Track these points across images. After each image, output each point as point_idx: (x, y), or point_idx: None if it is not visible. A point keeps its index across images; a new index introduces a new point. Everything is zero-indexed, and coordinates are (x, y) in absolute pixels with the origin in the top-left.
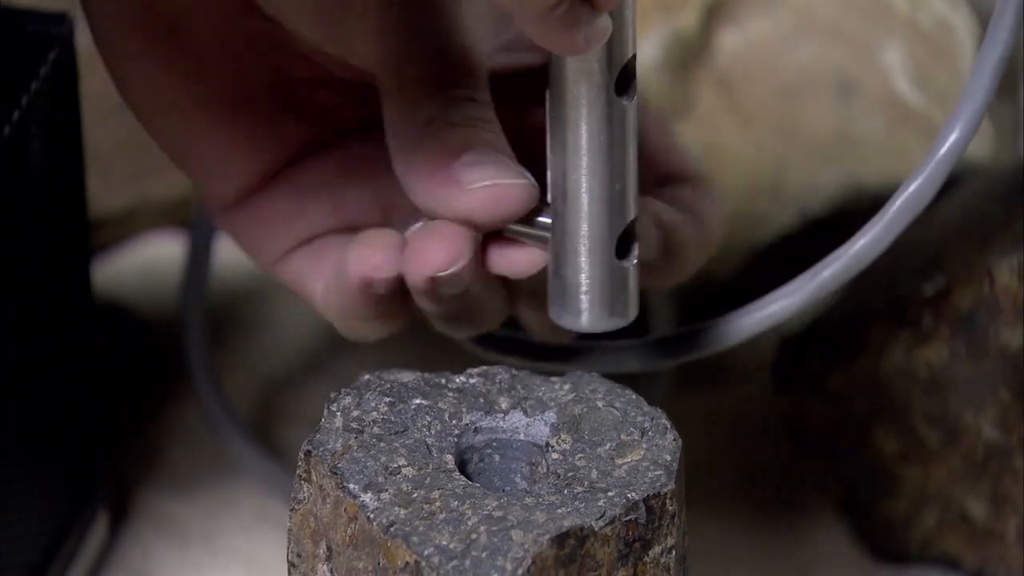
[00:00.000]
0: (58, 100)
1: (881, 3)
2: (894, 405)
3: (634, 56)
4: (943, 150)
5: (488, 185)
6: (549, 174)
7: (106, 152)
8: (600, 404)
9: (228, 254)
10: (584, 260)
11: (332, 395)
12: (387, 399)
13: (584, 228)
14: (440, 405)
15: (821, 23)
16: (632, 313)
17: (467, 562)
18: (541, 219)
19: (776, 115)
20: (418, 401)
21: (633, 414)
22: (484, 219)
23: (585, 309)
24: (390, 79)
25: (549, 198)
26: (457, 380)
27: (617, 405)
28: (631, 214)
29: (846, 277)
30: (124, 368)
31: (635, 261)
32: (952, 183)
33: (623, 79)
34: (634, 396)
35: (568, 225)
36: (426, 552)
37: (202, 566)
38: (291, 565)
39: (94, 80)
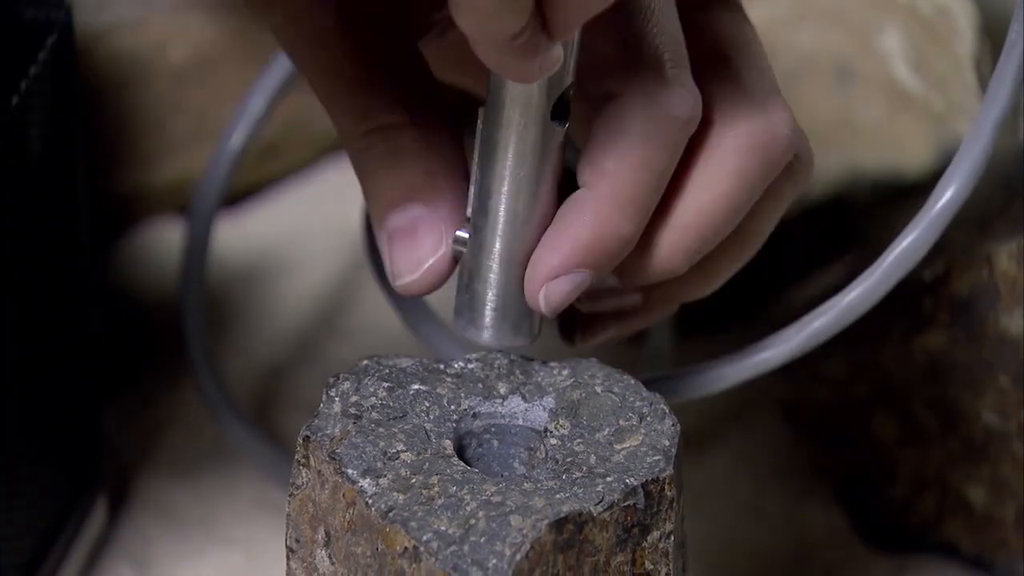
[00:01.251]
0: (57, 85)
1: None
2: (893, 391)
3: (573, 84)
4: (938, 206)
5: (422, 273)
6: (472, 188)
7: (105, 138)
8: (599, 389)
9: (227, 240)
10: (495, 277)
11: (331, 380)
12: (386, 384)
13: (498, 246)
14: (439, 390)
15: (820, 8)
16: (535, 333)
17: (465, 547)
18: (459, 233)
19: None
20: (416, 386)
21: (632, 399)
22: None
23: (490, 325)
24: (322, 88)
25: (469, 211)
26: (456, 365)
27: (616, 390)
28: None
29: (838, 328)
30: (123, 354)
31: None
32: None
33: (560, 106)
34: (633, 381)
35: (485, 241)
36: (424, 537)
37: (201, 552)
38: (289, 550)
39: (94, 65)
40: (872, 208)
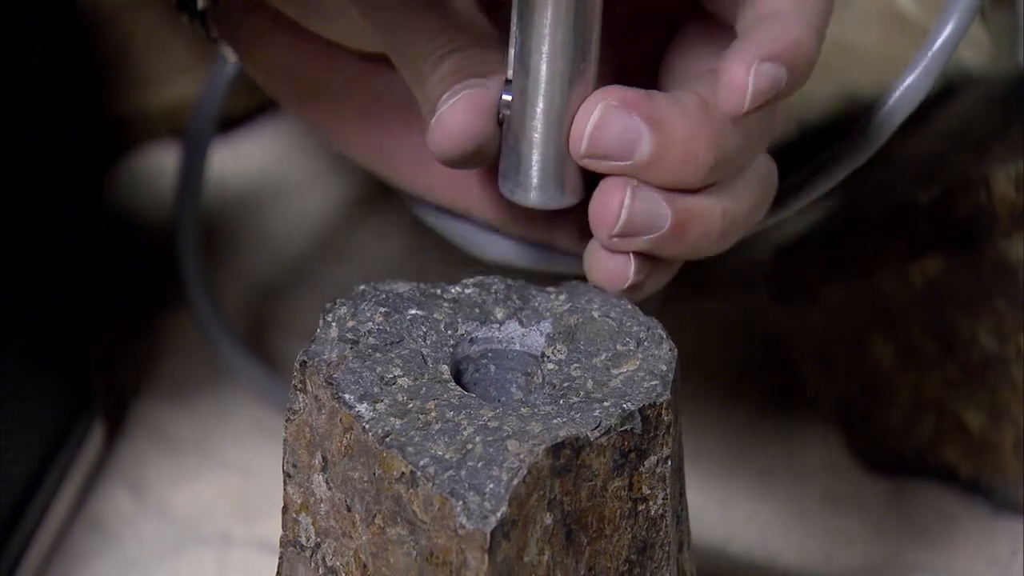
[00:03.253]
0: (54, 12)
1: None
2: (890, 315)
3: None
4: (939, 42)
5: (460, 97)
6: (512, 50)
7: (102, 61)
8: (596, 314)
9: (222, 165)
10: (540, 136)
11: (327, 305)
12: (382, 309)
13: (542, 105)
14: (435, 315)
15: None
16: (581, 193)
17: (463, 472)
18: (504, 96)
19: None
20: (414, 311)
21: (629, 324)
22: (458, 130)
23: (537, 185)
24: (378, 42)
25: (510, 74)
26: (453, 290)
27: (613, 315)
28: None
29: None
30: (119, 278)
31: None
32: (949, 91)
33: None
34: (630, 306)
35: (528, 101)
36: (421, 462)
37: (198, 475)
38: (286, 475)
39: None
40: None
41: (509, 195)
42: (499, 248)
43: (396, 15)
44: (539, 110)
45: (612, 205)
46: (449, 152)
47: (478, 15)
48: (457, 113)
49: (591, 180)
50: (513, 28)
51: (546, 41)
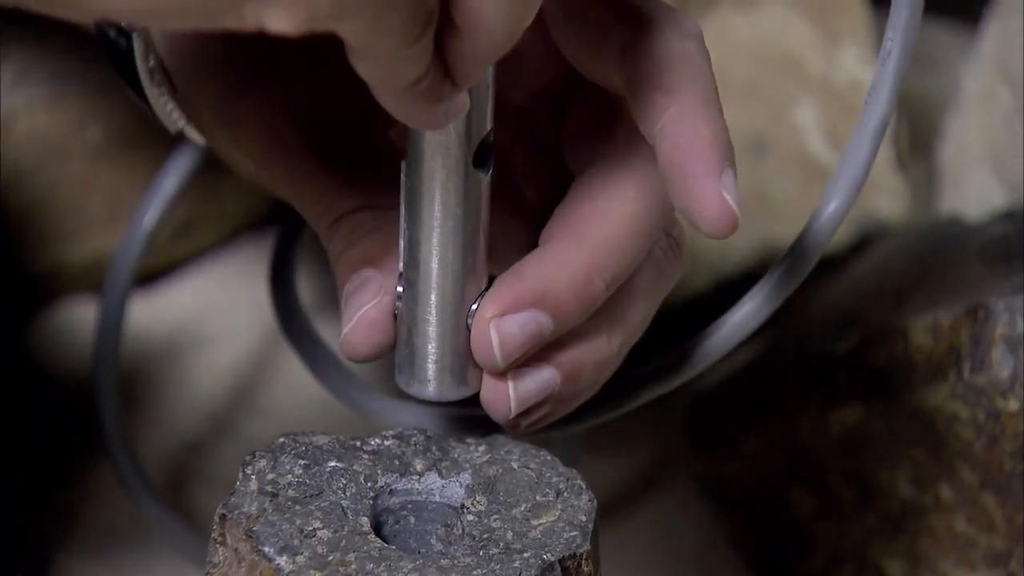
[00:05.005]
0: None
1: (794, 63)
2: (809, 464)
3: (491, 131)
4: (818, 223)
5: (357, 320)
6: (401, 243)
7: (21, 216)
8: (515, 465)
9: (141, 318)
10: (434, 329)
11: (247, 458)
12: (302, 462)
13: (434, 298)
14: (355, 467)
15: (734, 83)
16: (479, 384)
17: None
18: (398, 288)
19: None
20: (333, 463)
21: (548, 475)
22: (363, 352)
23: (433, 378)
24: (291, 190)
25: (401, 267)
26: (372, 442)
27: (532, 466)
28: (483, 284)
29: (722, 351)
30: (39, 430)
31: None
32: (866, 242)
33: (481, 152)
34: (549, 457)
35: (419, 295)
36: None
37: None
38: None
39: (8, 144)
40: None
41: (405, 388)
42: (400, 417)
43: (286, 172)
44: (432, 304)
45: (500, 398)
46: (359, 360)
47: (377, 163)
48: (358, 335)
49: None
50: (401, 221)
51: (435, 233)
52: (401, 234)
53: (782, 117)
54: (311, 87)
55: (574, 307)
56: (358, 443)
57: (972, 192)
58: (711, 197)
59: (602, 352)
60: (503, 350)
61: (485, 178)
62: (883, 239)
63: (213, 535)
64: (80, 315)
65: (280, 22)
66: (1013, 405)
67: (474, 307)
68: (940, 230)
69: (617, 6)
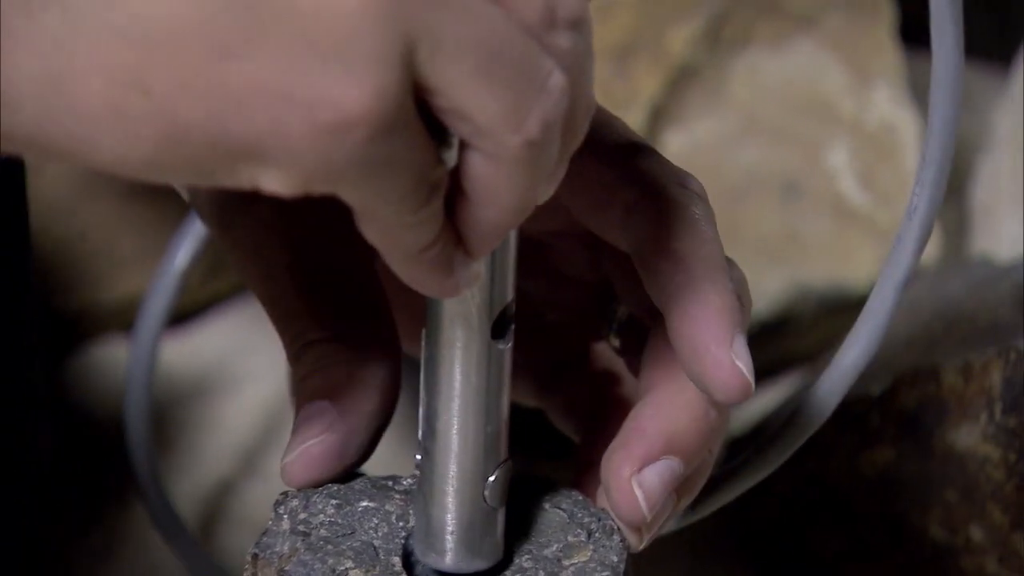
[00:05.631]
0: (6, 204)
1: (826, 104)
2: (840, 505)
3: (513, 300)
4: (840, 369)
5: (298, 453)
6: (421, 411)
7: (56, 257)
8: (547, 506)
9: (173, 358)
10: (452, 501)
11: (279, 498)
12: (334, 501)
13: (453, 469)
14: (387, 507)
15: (766, 124)
16: (498, 555)
17: None
18: (417, 457)
19: (722, 216)
20: (365, 503)
21: (580, 515)
22: (300, 484)
23: (450, 549)
24: (266, 308)
25: (420, 435)
26: (404, 482)
27: (564, 506)
28: (502, 455)
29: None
30: (72, 471)
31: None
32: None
33: (501, 323)
34: (580, 497)
35: (437, 465)
36: None
37: None
38: None
39: (42, 184)
40: (818, 322)
41: (422, 557)
42: None
43: (264, 289)
44: (450, 475)
45: (630, 502)
46: (291, 471)
47: (358, 296)
48: (297, 467)
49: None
50: (421, 389)
51: (454, 403)
52: (421, 402)
53: (814, 159)
54: (300, 212)
55: (698, 444)
56: (390, 483)
57: (1004, 233)
58: (724, 367)
59: (704, 419)
60: (648, 503)
61: (506, 348)
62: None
63: (245, 575)
64: (112, 355)
65: (275, 183)
66: None
67: (491, 479)
68: (971, 271)
69: (622, 166)
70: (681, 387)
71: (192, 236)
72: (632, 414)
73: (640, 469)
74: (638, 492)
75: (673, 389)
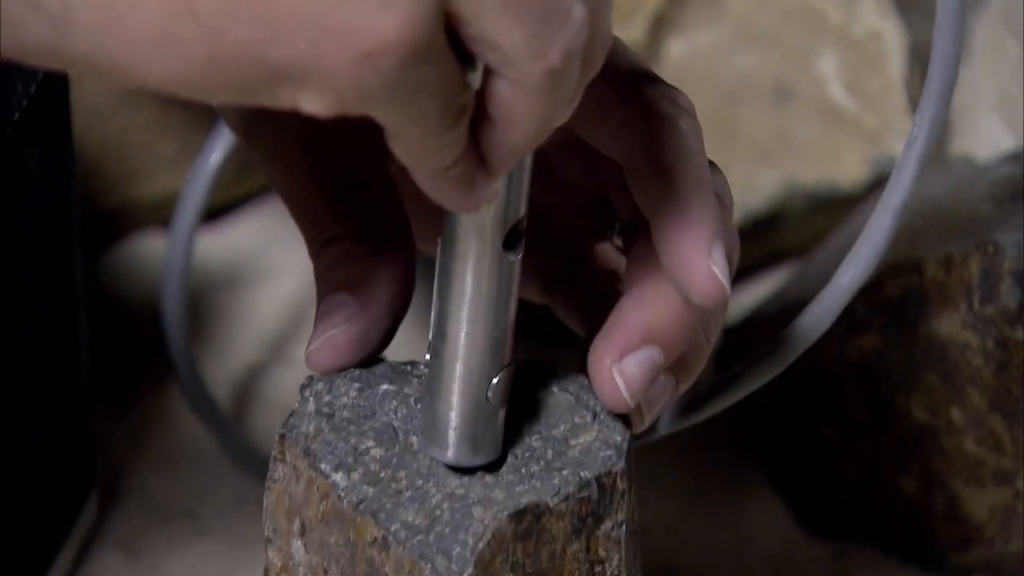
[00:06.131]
0: (52, 107)
1: (815, 14)
2: (829, 390)
3: (525, 215)
4: (839, 287)
5: (322, 341)
6: (433, 314)
7: (95, 157)
8: (555, 390)
9: (207, 251)
10: (456, 399)
11: (305, 382)
12: (356, 385)
13: (459, 370)
14: (406, 390)
15: (759, 33)
16: (496, 452)
17: (431, 537)
18: (426, 355)
19: (718, 119)
20: (385, 386)
21: (586, 398)
22: (324, 370)
23: (453, 444)
24: (288, 205)
25: (430, 336)
26: (423, 367)
27: (570, 390)
28: (507, 359)
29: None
30: (112, 358)
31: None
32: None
33: (512, 236)
34: (586, 381)
35: (445, 365)
36: (393, 527)
37: (186, 540)
38: (267, 540)
39: (84, 89)
40: (808, 218)
41: (425, 449)
42: None
43: (286, 187)
44: (456, 375)
45: (612, 389)
46: (315, 359)
47: (375, 195)
48: (321, 355)
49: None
50: (434, 293)
51: (464, 309)
52: (432, 305)
53: (804, 66)
54: (321, 122)
55: (679, 335)
56: (409, 367)
57: (982, 135)
58: (702, 273)
59: (682, 311)
60: (630, 390)
61: (516, 260)
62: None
63: (273, 453)
64: (150, 248)
65: (313, 105)
66: (1020, 334)
67: (495, 380)
68: (952, 171)
69: (619, 85)
70: (660, 282)
71: (225, 137)
72: (615, 308)
73: (620, 358)
74: (619, 380)
75: (653, 283)
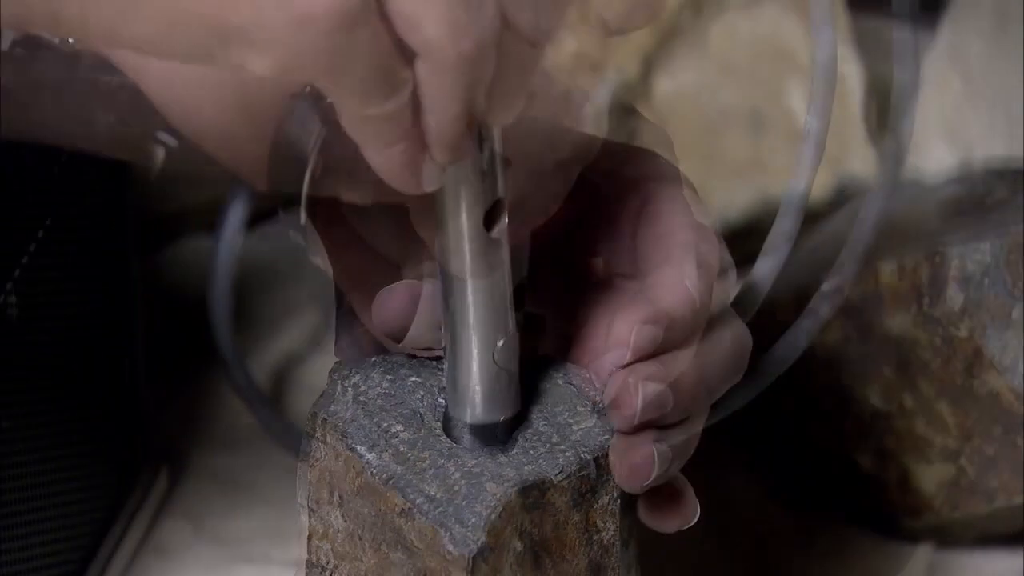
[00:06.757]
0: None
1: (787, 54)
2: (799, 380)
3: (503, 198)
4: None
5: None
6: (440, 292)
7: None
8: (560, 381)
9: (251, 252)
10: (466, 364)
11: (343, 372)
12: (388, 376)
13: (466, 338)
14: (431, 382)
15: (739, 70)
16: (515, 407)
17: (450, 508)
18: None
19: (701, 146)
20: (413, 378)
21: (587, 390)
22: (388, 331)
23: (473, 403)
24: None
25: (443, 314)
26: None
27: (574, 382)
28: (509, 328)
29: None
30: (167, 349)
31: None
32: (843, 198)
33: (491, 216)
34: (588, 375)
35: (455, 336)
36: (417, 500)
37: (244, 509)
38: (310, 510)
39: None
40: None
41: (452, 412)
42: None
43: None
44: (464, 343)
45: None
46: (383, 326)
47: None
48: (394, 296)
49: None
50: (439, 275)
51: (459, 284)
52: (440, 287)
53: (777, 99)
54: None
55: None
56: (434, 363)
57: (931, 160)
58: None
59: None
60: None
61: (500, 238)
62: (857, 195)
63: (316, 435)
64: (200, 249)
65: (257, 64)
66: (963, 332)
67: (499, 344)
68: (904, 191)
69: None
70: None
71: None
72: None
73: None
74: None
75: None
